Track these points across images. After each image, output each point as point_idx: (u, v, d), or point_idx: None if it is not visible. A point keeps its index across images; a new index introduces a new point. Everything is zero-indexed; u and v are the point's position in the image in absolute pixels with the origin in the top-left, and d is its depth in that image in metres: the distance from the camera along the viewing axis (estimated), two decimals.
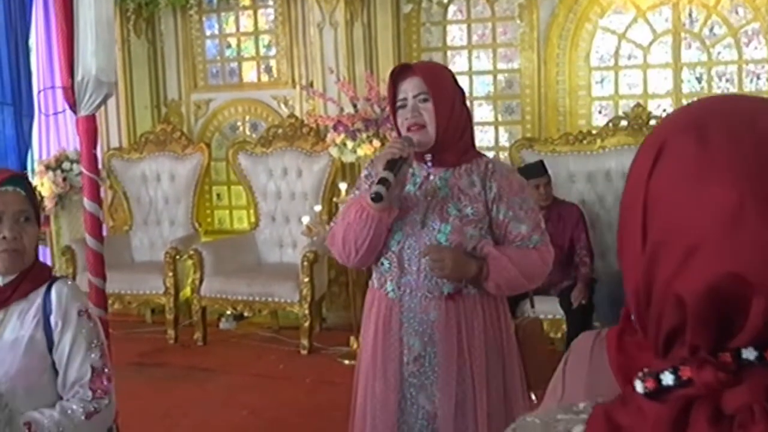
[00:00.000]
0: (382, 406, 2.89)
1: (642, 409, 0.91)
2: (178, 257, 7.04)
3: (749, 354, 0.88)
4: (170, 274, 7.01)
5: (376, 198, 2.68)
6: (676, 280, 0.91)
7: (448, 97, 2.84)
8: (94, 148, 3.93)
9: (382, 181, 2.68)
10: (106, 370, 2.43)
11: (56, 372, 2.40)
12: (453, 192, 2.82)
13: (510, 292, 2.89)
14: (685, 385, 0.89)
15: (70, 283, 2.49)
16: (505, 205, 2.83)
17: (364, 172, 3.01)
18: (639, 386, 0.92)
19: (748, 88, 6.62)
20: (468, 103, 7.25)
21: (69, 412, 2.34)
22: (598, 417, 0.96)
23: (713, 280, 0.89)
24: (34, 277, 2.43)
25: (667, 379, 0.90)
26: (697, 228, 0.91)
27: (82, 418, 2.35)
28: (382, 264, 2.88)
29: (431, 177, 2.86)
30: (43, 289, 2.42)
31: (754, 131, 0.93)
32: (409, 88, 2.82)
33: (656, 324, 0.95)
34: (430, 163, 2.86)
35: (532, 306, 3.57)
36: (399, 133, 2.88)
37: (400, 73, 2.86)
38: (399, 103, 2.85)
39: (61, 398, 2.39)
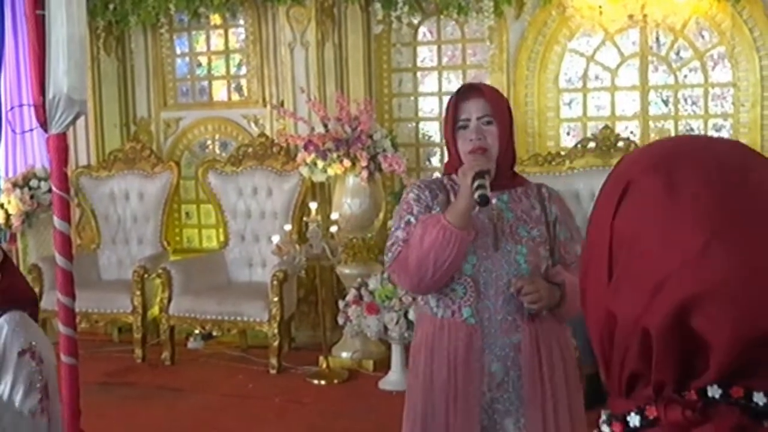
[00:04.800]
0: None
1: None
2: (146, 276, 7.00)
3: (714, 392, 0.90)
4: (138, 292, 6.97)
5: (484, 201, 2.61)
6: (643, 316, 0.92)
7: (508, 121, 2.84)
8: (65, 166, 3.91)
9: (481, 187, 2.62)
10: (44, 414, 2.31)
11: None
12: (517, 215, 2.81)
13: (571, 316, 2.82)
14: (651, 425, 0.91)
15: (17, 318, 2.36)
16: (564, 227, 2.86)
17: (411, 195, 2.88)
18: (606, 429, 0.94)
19: (713, 110, 6.72)
20: (438, 123, 7.32)
21: None
22: None
23: (678, 311, 0.90)
24: None
25: (634, 420, 0.92)
26: (664, 267, 0.92)
27: None
28: (454, 290, 2.79)
29: (493, 201, 2.77)
30: None
31: (721, 176, 0.95)
32: (474, 109, 2.79)
33: (620, 362, 0.96)
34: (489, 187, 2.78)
35: None
36: (456, 153, 2.83)
37: (464, 93, 2.84)
38: (461, 123, 2.80)
39: None
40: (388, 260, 2.88)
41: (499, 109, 2.82)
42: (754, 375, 0.91)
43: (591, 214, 1.03)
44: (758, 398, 0.90)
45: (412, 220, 2.82)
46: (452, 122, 2.82)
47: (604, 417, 0.96)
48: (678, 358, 0.92)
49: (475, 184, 2.63)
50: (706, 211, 0.92)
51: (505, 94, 6.84)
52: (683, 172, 0.95)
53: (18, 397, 2.27)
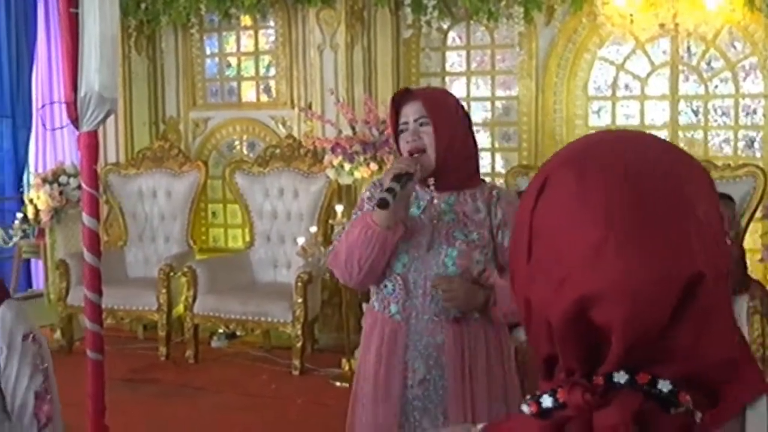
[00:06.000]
0: (383, 430, 2.88)
1: (524, 425, 0.98)
2: (172, 274, 7.04)
3: (620, 378, 0.94)
4: (164, 290, 7.01)
5: (382, 203, 2.66)
6: (548, 306, 0.99)
7: (448, 121, 2.84)
8: (95, 163, 3.94)
9: (389, 190, 2.67)
10: (48, 395, 2.40)
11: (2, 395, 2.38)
12: (458, 217, 2.83)
13: (513, 320, 2.85)
14: (561, 407, 0.95)
15: (15, 306, 2.43)
16: (509, 231, 2.83)
17: (366, 194, 2.99)
18: (525, 408, 0.99)
19: (744, 121, 6.66)
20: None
21: None
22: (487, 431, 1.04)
23: (573, 307, 0.96)
24: None
25: (546, 401, 0.97)
26: (567, 260, 0.97)
27: None
28: (386, 286, 2.88)
29: (435, 201, 2.86)
30: None
31: (626, 172, 0.99)
32: (410, 112, 2.83)
33: (537, 346, 1.03)
34: (432, 187, 2.87)
35: None
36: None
37: (402, 98, 2.88)
38: (401, 127, 2.86)
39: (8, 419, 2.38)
40: (328, 254, 3.03)
41: (436, 109, 2.84)
42: (660, 363, 0.95)
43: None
44: (663, 385, 0.94)
45: (356, 216, 2.95)
46: (394, 127, 2.90)
47: (526, 397, 1.01)
48: (582, 347, 0.97)
49: (387, 186, 2.69)
50: (608, 206, 0.96)
51: (534, 101, 6.90)
52: (591, 168, 1.00)
53: (25, 379, 2.37)
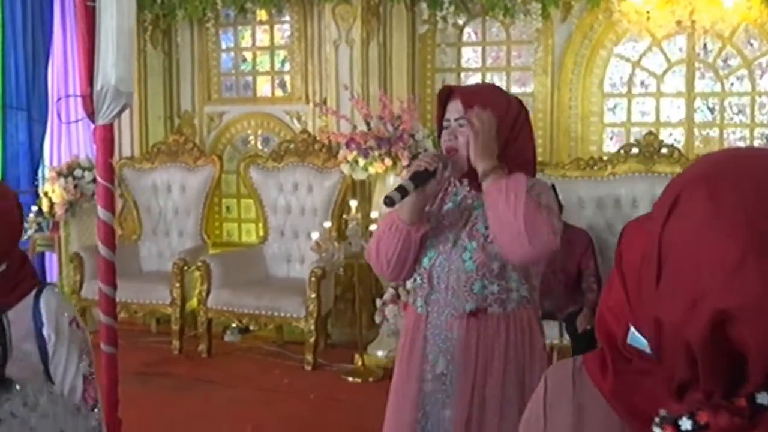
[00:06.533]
0: (402, 423, 2.88)
1: None
2: (185, 268, 7.06)
3: (763, 399, 0.92)
4: (177, 284, 7.03)
5: (387, 202, 2.66)
6: (684, 327, 0.95)
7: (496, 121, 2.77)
8: (111, 157, 3.95)
9: (399, 188, 2.67)
10: (94, 377, 2.44)
11: (50, 381, 2.38)
12: (486, 211, 2.77)
13: (504, 218, 2.63)
14: (702, 429, 0.93)
15: (57, 292, 2.46)
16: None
17: None
18: (657, 431, 0.97)
19: (760, 119, 6.64)
20: None
21: None
22: None
23: (713, 324, 0.92)
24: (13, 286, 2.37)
25: (686, 424, 0.94)
26: (702, 280, 0.94)
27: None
28: (415, 280, 2.89)
29: (469, 199, 2.85)
30: (30, 299, 2.37)
31: (759, 187, 0.97)
32: (452, 110, 2.81)
33: (670, 367, 0.99)
34: (469, 186, 2.85)
35: (561, 334, 3.51)
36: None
37: (444, 96, 2.86)
38: (444, 124, 2.84)
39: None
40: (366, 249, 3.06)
41: (474, 108, 2.77)
42: None
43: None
44: None
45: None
46: (439, 123, 2.87)
47: (656, 419, 0.98)
48: (723, 368, 0.94)
49: (400, 183, 2.70)
50: (745, 225, 0.94)
51: (549, 97, 6.88)
52: (725, 187, 0.98)
53: (74, 365, 2.38)
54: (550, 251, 2.68)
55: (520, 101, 2.90)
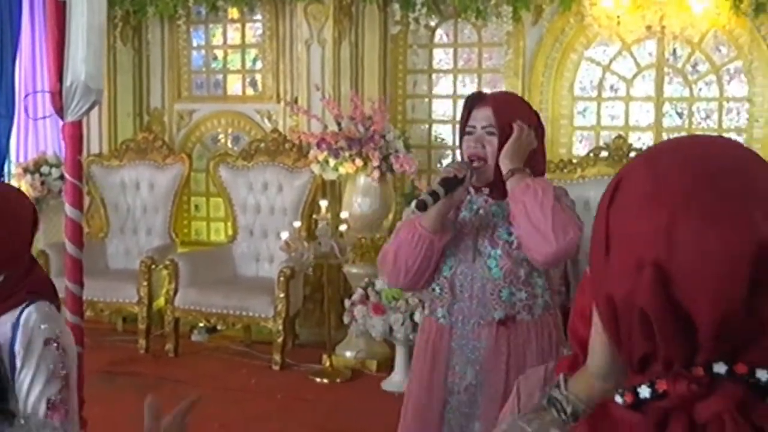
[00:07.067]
0: None
1: (622, 419, 0.99)
2: (153, 267, 7.01)
3: (720, 368, 0.96)
4: (144, 283, 6.98)
5: (419, 206, 2.63)
6: (634, 294, 0.98)
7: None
8: (79, 154, 3.92)
9: (432, 194, 2.64)
10: (64, 406, 2.30)
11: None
12: (506, 217, 2.78)
13: (532, 214, 2.64)
14: (660, 397, 0.97)
15: (45, 308, 2.35)
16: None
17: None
18: (618, 399, 1.00)
19: (727, 125, 6.69)
20: (451, 127, 7.29)
21: None
22: (582, 425, 1.05)
23: (659, 282, 0.97)
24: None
25: (644, 392, 0.98)
26: (643, 244, 0.99)
27: None
28: (433, 290, 2.85)
29: (487, 206, 2.83)
30: (17, 312, 2.31)
31: (695, 158, 1.04)
32: (480, 117, 2.78)
33: (628, 344, 1.02)
34: (488, 195, 2.83)
35: None
36: (462, 159, 2.85)
37: (474, 101, 2.84)
38: (468, 129, 2.81)
39: None
40: (379, 256, 3.00)
41: (505, 121, 2.76)
42: (753, 343, 0.97)
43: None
44: (761, 374, 0.96)
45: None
46: (462, 128, 2.85)
47: (619, 390, 1.02)
48: (677, 332, 0.97)
49: (432, 188, 2.67)
50: (680, 192, 0.99)
51: None
52: (663, 160, 1.04)
53: (39, 385, 2.27)
54: (573, 248, 2.68)
55: (539, 115, 2.93)
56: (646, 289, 0.97)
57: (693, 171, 1.01)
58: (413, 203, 2.69)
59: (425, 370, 2.86)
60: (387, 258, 2.85)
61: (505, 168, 2.71)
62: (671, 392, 0.96)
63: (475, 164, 2.76)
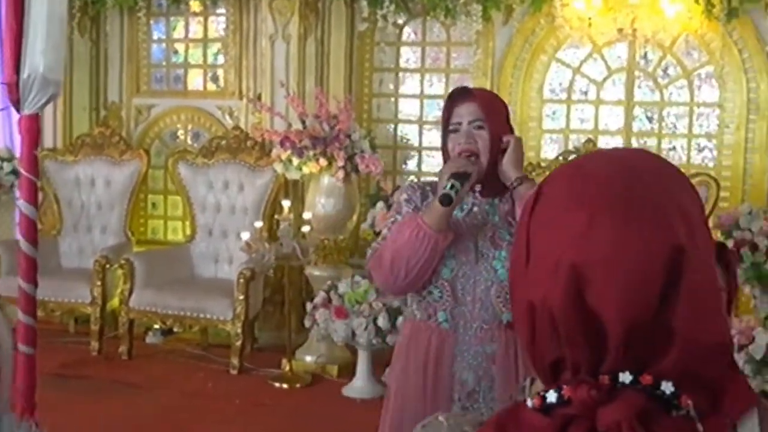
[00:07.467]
0: None
1: (529, 421, 1.01)
2: (108, 266, 6.80)
3: (625, 377, 0.98)
4: (98, 283, 6.77)
5: (444, 201, 2.55)
6: (549, 297, 1.01)
7: (503, 127, 2.76)
8: (36, 148, 3.74)
9: (452, 187, 2.55)
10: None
11: None
12: (503, 218, 2.74)
13: None
14: (565, 403, 0.99)
15: None
16: None
17: (403, 196, 2.85)
18: (529, 402, 1.02)
19: (698, 130, 6.65)
20: (417, 127, 7.23)
21: None
22: (490, 423, 1.06)
23: (573, 285, 0.99)
24: None
25: (551, 397, 1.00)
26: (560, 246, 1.02)
27: None
28: (431, 293, 2.74)
29: (478, 205, 2.77)
30: None
31: (613, 166, 1.07)
32: (465, 112, 2.72)
33: (541, 350, 1.05)
34: (478, 193, 2.76)
35: None
36: (446, 158, 2.77)
37: (457, 97, 2.76)
38: (452, 127, 2.74)
39: None
40: (367, 257, 2.87)
41: (493, 114, 2.73)
42: (661, 351, 0.99)
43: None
44: (666, 387, 0.98)
45: (396, 220, 2.80)
46: (444, 126, 2.78)
47: (529, 390, 1.06)
48: (587, 337, 0.99)
49: (447, 183, 2.58)
50: (596, 194, 1.02)
51: None
52: (582, 168, 1.08)
53: None
54: None
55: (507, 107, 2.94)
56: (560, 290, 1.00)
57: (615, 175, 1.04)
58: (438, 197, 2.60)
59: (428, 378, 2.75)
60: (382, 259, 2.72)
61: (512, 176, 2.69)
62: (573, 398, 0.98)
63: (471, 160, 2.70)
